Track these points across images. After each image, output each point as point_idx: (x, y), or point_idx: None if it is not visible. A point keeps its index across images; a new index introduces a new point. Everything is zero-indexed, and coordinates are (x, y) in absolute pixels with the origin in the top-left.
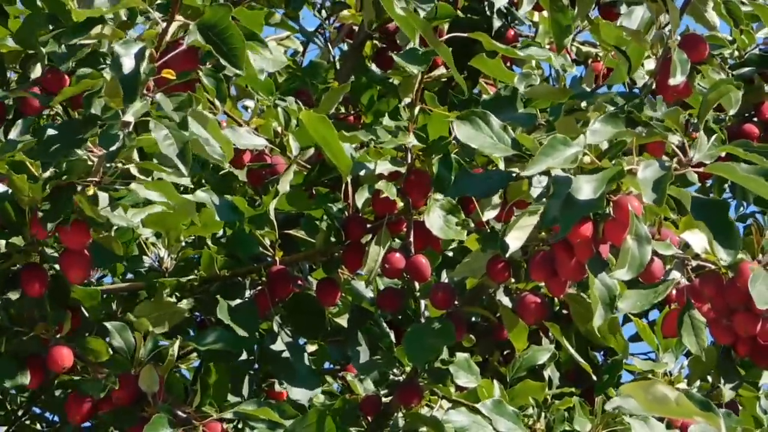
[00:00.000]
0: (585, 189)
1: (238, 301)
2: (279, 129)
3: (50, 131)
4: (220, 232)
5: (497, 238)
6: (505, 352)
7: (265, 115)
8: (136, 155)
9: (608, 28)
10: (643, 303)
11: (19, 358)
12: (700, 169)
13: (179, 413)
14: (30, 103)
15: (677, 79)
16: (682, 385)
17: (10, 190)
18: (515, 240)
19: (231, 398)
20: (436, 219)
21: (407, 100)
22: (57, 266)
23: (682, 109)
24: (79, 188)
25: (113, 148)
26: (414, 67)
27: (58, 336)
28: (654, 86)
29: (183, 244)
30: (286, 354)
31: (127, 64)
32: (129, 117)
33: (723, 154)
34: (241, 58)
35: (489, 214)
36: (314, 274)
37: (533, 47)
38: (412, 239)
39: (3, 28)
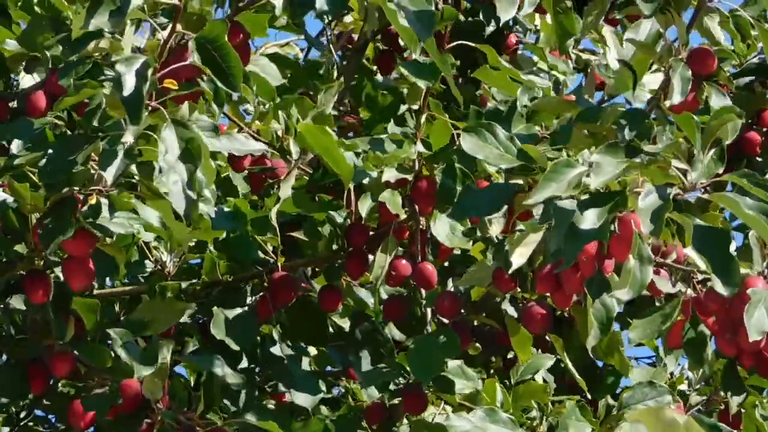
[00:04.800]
0: (588, 218)
1: (238, 310)
2: (280, 132)
3: (51, 150)
4: (223, 236)
5: (503, 250)
6: (507, 356)
7: (266, 119)
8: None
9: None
10: (654, 331)
11: (22, 365)
12: (704, 196)
13: (183, 420)
14: (35, 105)
15: (675, 99)
16: (683, 387)
17: (12, 198)
18: (519, 257)
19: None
20: (442, 227)
21: (414, 107)
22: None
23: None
24: (81, 197)
25: (112, 171)
26: (422, 82)
27: (61, 342)
28: (662, 99)
29: (185, 248)
30: (285, 360)
31: (129, 84)
32: (129, 137)
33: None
34: (237, 78)
35: (494, 230)
36: (316, 281)
37: (534, 75)
38: (418, 247)
39: (6, 30)
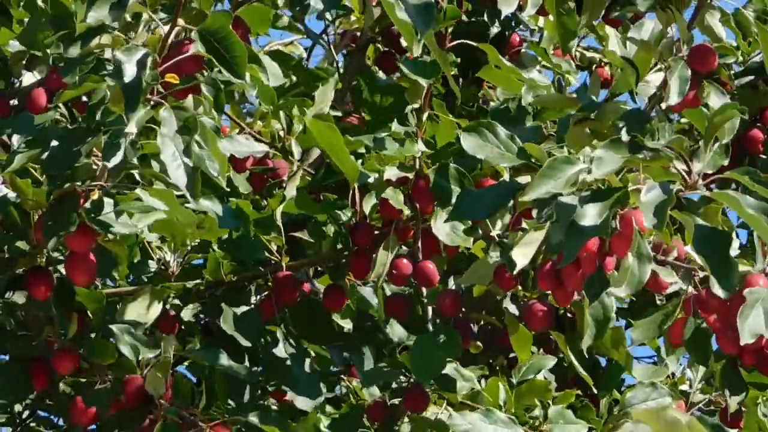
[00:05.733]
0: (589, 214)
1: (244, 308)
2: (281, 133)
3: (53, 142)
4: (226, 236)
5: (506, 249)
6: (510, 355)
7: (267, 120)
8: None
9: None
10: (655, 331)
11: (25, 362)
12: (706, 193)
13: (186, 415)
14: (35, 103)
15: (672, 100)
16: (685, 387)
17: (14, 194)
18: (522, 256)
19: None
20: (442, 225)
21: (415, 105)
22: (62, 269)
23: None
24: (83, 193)
25: (116, 160)
26: (423, 80)
27: (63, 339)
28: (663, 97)
29: (189, 248)
30: (288, 361)
31: (129, 72)
32: (132, 127)
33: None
34: (242, 67)
35: (497, 228)
36: (320, 280)
37: (535, 72)
38: (420, 245)
39: (8, 31)
